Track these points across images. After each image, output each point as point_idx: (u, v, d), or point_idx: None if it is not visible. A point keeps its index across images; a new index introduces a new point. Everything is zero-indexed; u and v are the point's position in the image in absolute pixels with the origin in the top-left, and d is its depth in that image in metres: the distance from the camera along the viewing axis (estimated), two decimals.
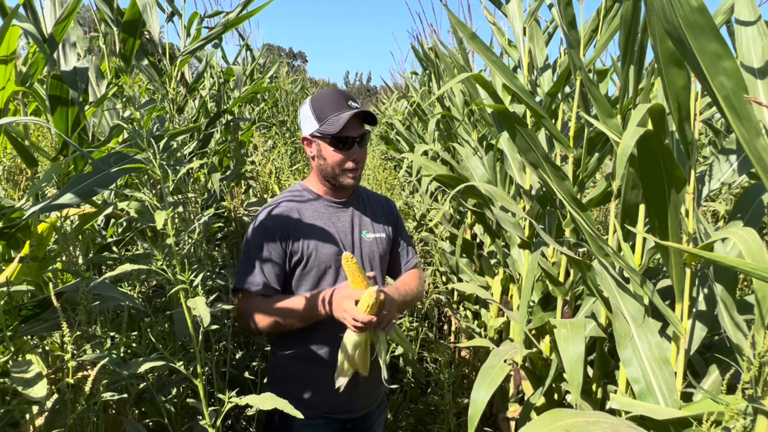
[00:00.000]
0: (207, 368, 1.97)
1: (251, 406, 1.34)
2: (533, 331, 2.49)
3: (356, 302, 1.63)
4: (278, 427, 1.86)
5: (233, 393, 1.36)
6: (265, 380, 2.19)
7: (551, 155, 2.53)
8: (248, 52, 5.92)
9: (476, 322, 3.65)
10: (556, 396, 2.33)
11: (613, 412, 1.59)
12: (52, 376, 1.53)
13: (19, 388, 1.16)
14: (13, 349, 1.39)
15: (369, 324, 1.62)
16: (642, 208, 1.74)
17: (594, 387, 2.06)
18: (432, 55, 4.98)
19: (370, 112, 1.82)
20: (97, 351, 1.54)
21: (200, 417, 1.43)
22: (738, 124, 1.07)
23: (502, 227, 2.56)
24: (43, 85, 1.90)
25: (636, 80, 1.71)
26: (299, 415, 1.30)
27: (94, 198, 1.77)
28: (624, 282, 1.70)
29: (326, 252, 1.84)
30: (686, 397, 1.55)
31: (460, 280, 3.76)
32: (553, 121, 2.58)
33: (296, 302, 1.76)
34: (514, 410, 2.69)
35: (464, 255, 3.63)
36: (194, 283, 1.36)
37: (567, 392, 2.23)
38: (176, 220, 1.85)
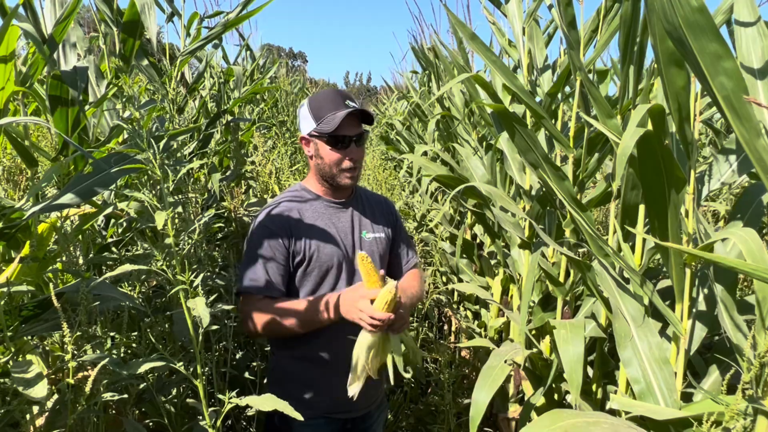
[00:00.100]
0: (207, 368, 1.97)
1: (251, 407, 1.34)
2: (533, 332, 2.49)
3: (371, 301, 1.62)
4: (278, 428, 1.86)
5: (233, 393, 1.36)
6: (265, 380, 2.19)
7: (551, 155, 2.54)
8: (248, 53, 5.93)
9: (476, 322, 3.65)
10: (556, 396, 2.34)
11: (613, 412, 1.59)
12: (53, 376, 1.53)
13: (20, 389, 1.16)
14: (13, 349, 1.39)
15: (387, 322, 1.60)
16: (642, 208, 1.74)
17: (594, 387, 2.06)
18: (431, 56, 4.99)
19: (367, 111, 1.82)
20: (98, 351, 1.54)
21: (200, 417, 1.43)
22: (738, 125, 1.07)
23: (502, 227, 2.56)
24: (43, 86, 1.90)
25: (636, 80, 1.71)
26: (299, 416, 1.30)
27: (94, 198, 1.77)
28: (624, 282, 1.70)
29: (328, 252, 1.84)
30: (686, 398, 1.55)
31: (460, 280, 3.76)
32: (553, 121, 2.58)
33: (299, 307, 1.75)
34: (514, 410, 2.69)
35: (464, 255, 3.63)
36: (194, 284, 1.36)
37: (567, 392, 2.23)
38: (176, 221, 1.85)
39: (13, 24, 1.48)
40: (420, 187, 4.75)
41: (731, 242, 1.54)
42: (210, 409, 1.40)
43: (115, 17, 2.56)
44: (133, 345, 1.87)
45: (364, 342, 1.67)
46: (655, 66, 1.36)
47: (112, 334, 1.79)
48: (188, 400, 1.85)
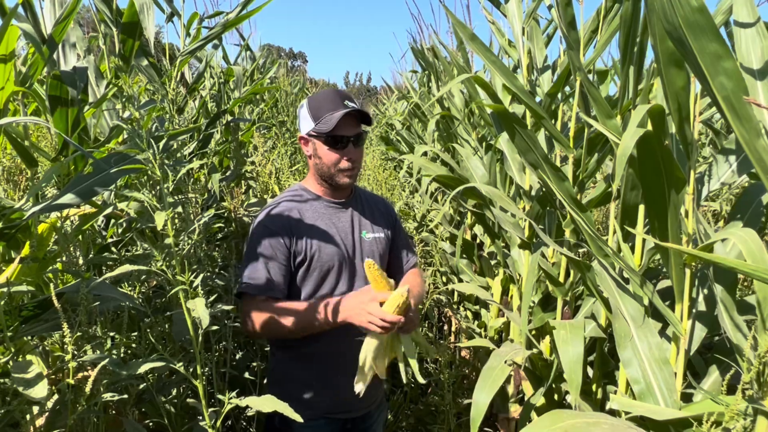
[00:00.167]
0: (207, 369, 1.97)
1: (251, 407, 1.34)
2: (533, 332, 2.49)
3: (380, 303, 1.62)
4: (278, 428, 1.85)
5: (233, 394, 1.36)
6: (265, 381, 2.20)
7: (551, 156, 2.54)
8: (248, 53, 5.92)
9: (476, 322, 3.65)
10: (556, 396, 2.33)
11: (613, 412, 1.58)
12: (53, 376, 1.53)
13: (20, 389, 1.16)
14: (13, 349, 1.39)
15: (396, 324, 1.61)
16: (642, 208, 1.74)
17: (594, 387, 2.06)
18: (430, 56, 4.99)
19: (365, 112, 1.83)
20: (98, 351, 1.54)
21: (200, 417, 1.43)
22: (738, 125, 1.07)
23: (502, 228, 2.56)
24: (42, 86, 1.90)
25: (636, 81, 1.71)
26: (299, 418, 1.30)
27: (94, 198, 1.77)
28: (624, 282, 1.70)
29: (329, 252, 1.84)
30: (686, 398, 1.55)
31: (460, 280, 3.75)
32: (553, 121, 2.58)
33: (299, 311, 1.73)
34: (514, 410, 2.69)
35: (464, 255, 3.63)
36: (194, 284, 1.36)
37: (567, 393, 2.23)
38: (176, 221, 1.85)
39: (12, 24, 1.48)
40: (420, 187, 4.75)
41: (731, 242, 1.54)
42: (210, 410, 1.40)
43: (115, 17, 2.56)
44: (133, 345, 1.87)
45: (371, 344, 1.68)
46: (655, 66, 1.36)
47: (112, 334, 1.79)
48: (188, 400, 1.85)
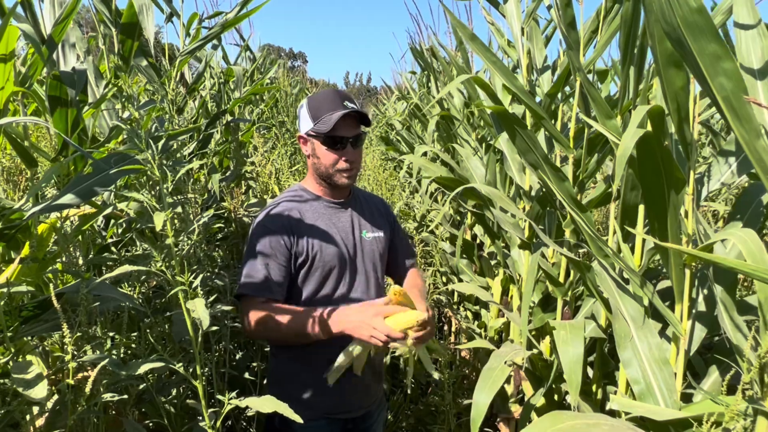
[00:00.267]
0: (207, 369, 1.97)
1: (251, 408, 1.34)
2: (533, 332, 2.49)
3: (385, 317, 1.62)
4: (279, 429, 1.85)
5: (233, 394, 1.36)
6: (265, 381, 2.20)
7: (551, 156, 2.53)
8: (247, 53, 5.92)
9: (476, 322, 3.65)
10: (556, 397, 2.33)
11: (613, 412, 1.59)
12: (53, 376, 1.53)
13: (20, 389, 1.16)
14: (13, 350, 1.38)
15: (396, 340, 1.61)
16: (641, 209, 1.74)
17: (594, 388, 2.06)
18: (429, 57, 4.99)
19: (363, 113, 1.83)
20: (98, 352, 1.54)
21: (200, 418, 1.43)
22: (738, 125, 1.07)
23: (502, 228, 2.56)
24: (42, 86, 1.90)
25: (636, 81, 1.71)
26: (298, 419, 1.30)
27: (93, 199, 1.77)
28: (624, 283, 1.70)
29: (330, 252, 1.84)
30: (686, 398, 1.55)
31: (460, 280, 3.75)
32: (553, 121, 2.58)
33: (296, 318, 1.71)
34: (514, 411, 2.69)
35: (464, 256, 3.63)
36: (194, 285, 1.36)
37: (567, 393, 2.23)
38: (176, 221, 1.85)
39: (11, 24, 1.48)
40: (420, 187, 4.75)
41: (731, 243, 1.54)
42: (210, 410, 1.40)
43: (114, 18, 2.56)
44: (133, 345, 1.87)
45: (359, 349, 1.67)
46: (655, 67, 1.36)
47: (111, 334, 1.79)
48: (188, 400, 1.85)
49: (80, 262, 1.86)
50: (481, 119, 3.44)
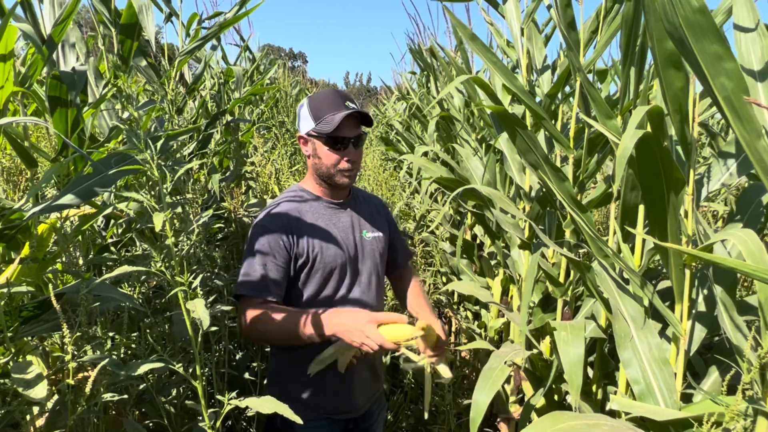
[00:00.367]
0: (207, 369, 1.97)
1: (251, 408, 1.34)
2: (533, 332, 2.49)
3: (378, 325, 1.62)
4: (280, 429, 1.85)
5: (233, 395, 1.36)
6: (265, 381, 2.20)
7: (551, 156, 2.54)
8: (246, 53, 5.91)
9: (476, 322, 3.65)
10: (556, 397, 2.33)
11: (613, 413, 1.59)
12: (53, 377, 1.53)
13: (20, 389, 1.16)
14: (13, 350, 1.38)
15: (389, 351, 1.62)
16: (641, 209, 1.74)
17: (594, 388, 2.06)
18: (428, 57, 4.99)
19: (366, 113, 1.83)
20: (98, 352, 1.54)
21: (200, 418, 1.43)
22: (739, 126, 1.07)
23: (502, 228, 2.56)
24: (42, 86, 1.90)
25: (636, 81, 1.71)
26: (298, 420, 1.29)
27: (93, 199, 1.77)
28: (624, 283, 1.70)
29: (331, 253, 1.84)
30: (686, 398, 1.55)
31: (461, 281, 3.75)
32: (553, 122, 2.58)
33: (290, 320, 1.70)
34: (514, 411, 2.69)
35: (464, 256, 3.63)
36: (193, 285, 1.36)
37: (567, 393, 2.23)
38: (175, 222, 1.85)
39: (11, 24, 1.48)
40: (420, 188, 4.75)
41: (731, 243, 1.54)
42: (210, 410, 1.40)
43: (113, 18, 2.56)
44: (133, 346, 1.87)
45: (346, 348, 1.67)
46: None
47: (111, 334, 1.79)
48: (188, 401, 1.85)
49: (80, 262, 1.86)
50: (481, 119, 3.44)
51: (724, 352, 1.56)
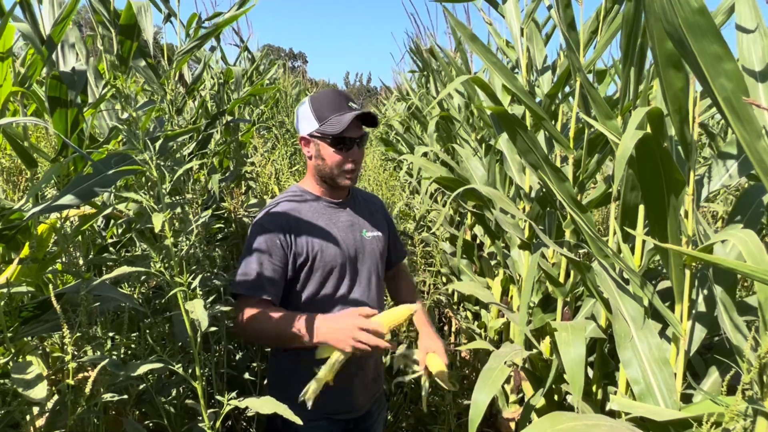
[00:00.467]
0: (207, 369, 1.97)
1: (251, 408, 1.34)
2: (533, 332, 2.49)
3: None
4: (281, 429, 1.85)
5: (233, 395, 1.36)
6: (265, 381, 2.20)
7: (551, 156, 2.54)
8: (245, 54, 5.91)
9: (476, 322, 3.65)
10: (556, 397, 2.33)
11: (613, 413, 1.59)
12: (53, 377, 1.53)
13: (20, 390, 1.16)
14: (13, 350, 1.38)
15: (382, 349, 1.63)
16: (641, 209, 1.74)
17: (594, 388, 2.06)
18: (428, 57, 4.99)
19: (372, 114, 1.82)
20: (98, 352, 1.54)
21: (200, 418, 1.43)
22: (739, 126, 1.07)
23: (502, 228, 2.56)
24: (41, 87, 1.90)
25: (636, 82, 1.71)
26: (298, 420, 1.29)
27: (93, 199, 1.77)
28: (624, 283, 1.70)
29: (331, 253, 1.84)
30: (686, 399, 1.55)
31: (461, 281, 3.75)
32: (553, 122, 2.58)
33: (285, 324, 1.71)
34: (514, 411, 2.69)
35: (464, 256, 3.63)
36: (192, 285, 1.36)
37: (567, 393, 2.23)
38: (175, 222, 1.85)
39: (9, 23, 1.48)
40: (420, 188, 4.75)
41: (731, 243, 1.54)
42: (209, 410, 1.40)
43: (112, 18, 2.56)
44: (132, 346, 1.87)
45: (338, 357, 1.66)
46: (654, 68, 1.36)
47: (111, 334, 1.79)
48: (188, 401, 1.85)
49: (80, 262, 1.86)
50: (480, 120, 3.44)
51: (724, 353, 1.56)
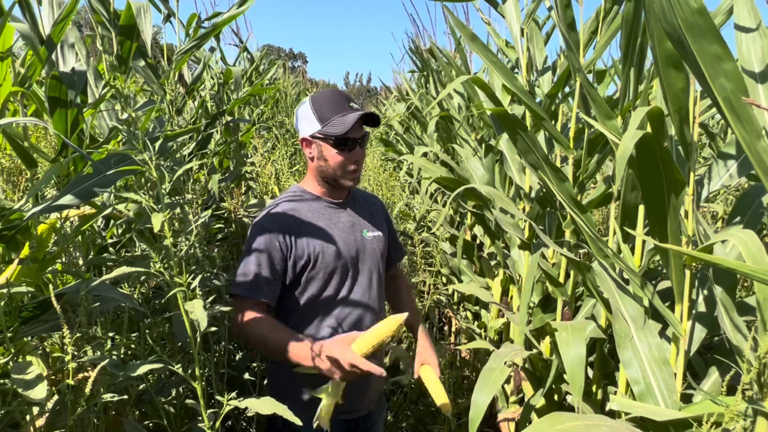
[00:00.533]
0: (206, 369, 1.97)
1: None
2: (533, 332, 2.49)
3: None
4: (281, 430, 1.84)
5: (232, 395, 1.36)
6: (265, 382, 2.20)
7: (551, 156, 2.54)
8: (244, 54, 5.91)
9: (476, 323, 3.65)
10: (556, 397, 2.33)
11: (613, 413, 1.59)
12: (53, 377, 1.53)
13: (20, 390, 1.16)
14: (13, 350, 1.39)
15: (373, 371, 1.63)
16: (641, 209, 1.74)
17: (594, 388, 2.06)
18: (426, 57, 4.99)
19: (374, 114, 1.82)
20: (98, 352, 1.54)
21: (200, 418, 1.43)
22: (738, 126, 1.07)
23: (502, 228, 2.56)
24: (41, 87, 1.90)
25: (636, 82, 1.71)
26: (297, 421, 1.29)
27: (93, 199, 1.77)
28: (624, 283, 1.70)
29: (332, 253, 1.83)
30: (686, 399, 1.55)
31: (461, 281, 3.76)
32: (553, 122, 2.58)
33: (279, 336, 1.71)
34: (514, 411, 2.69)
35: (464, 256, 3.63)
36: (192, 286, 1.36)
37: (567, 393, 2.23)
38: (174, 222, 1.85)
39: (8, 23, 1.48)
40: (420, 188, 4.75)
41: (731, 243, 1.54)
42: (209, 411, 1.40)
43: (112, 18, 2.56)
44: (132, 346, 1.87)
45: (335, 393, 1.67)
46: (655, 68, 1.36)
47: (111, 334, 1.79)
48: (187, 401, 1.85)
49: (80, 262, 1.86)
50: (480, 120, 3.45)
51: (724, 353, 1.56)
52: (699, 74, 1.09)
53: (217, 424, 1.38)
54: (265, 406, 1.32)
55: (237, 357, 2.71)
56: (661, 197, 1.44)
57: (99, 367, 1.30)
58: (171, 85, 2.78)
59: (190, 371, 1.45)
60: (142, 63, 2.78)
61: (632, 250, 1.76)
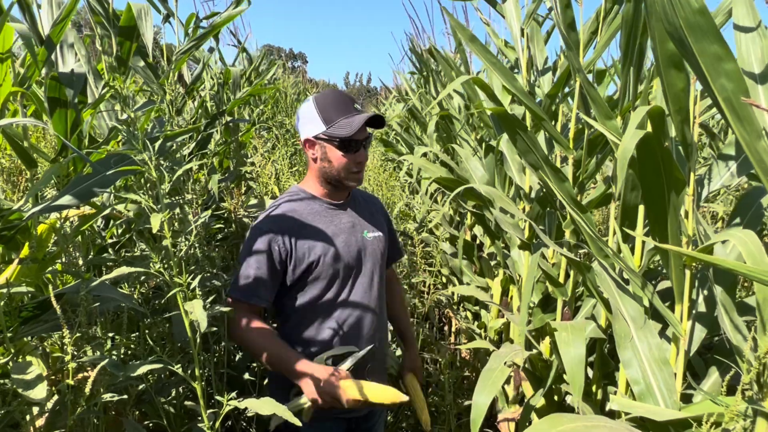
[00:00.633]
0: (206, 369, 1.97)
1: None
2: (533, 333, 2.49)
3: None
4: (282, 430, 1.84)
5: (232, 395, 1.36)
6: (265, 382, 2.20)
7: (551, 156, 2.54)
8: (243, 54, 5.90)
9: (476, 323, 3.65)
10: (556, 397, 2.33)
11: (613, 413, 1.59)
12: (53, 377, 1.53)
13: (20, 390, 1.16)
14: (13, 350, 1.39)
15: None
16: (641, 209, 1.74)
17: (594, 388, 2.06)
18: (426, 57, 4.99)
19: (381, 116, 1.82)
20: (98, 352, 1.54)
21: (200, 418, 1.43)
22: (739, 126, 1.07)
23: (502, 228, 2.56)
24: (41, 87, 1.90)
25: (636, 82, 1.71)
26: (297, 422, 1.29)
27: (93, 199, 1.77)
28: (624, 283, 1.70)
29: (333, 255, 1.83)
30: (686, 399, 1.55)
31: (461, 281, 3.75)
32: (553, 122, 2.58)
33: (273, 346, 1.75)
34: (514, 411, 2.69)
35: (464, 256, 3.63)
36: (192, 286, 1.35)
37: (567, 393, 2.23)
38: (174, 222, 1.85)
39: (7, 23, 1.48)
40: (420, 188, 4.75)
41: (731, 244, 1.54)
42: (209, 411, 1.40)
43: (111, 18, 2.56)
44: (132, 346, 1.87)
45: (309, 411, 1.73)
46: (655, 68, 1.36)
47: (111, 335, 1.79)
48: (187, 401, 1.85)
49: (80, 262, 1.86)
50: (480, 120, 3.45)
51: (724, 353, 1.55)
52: (700, 74, 1.09)
53: (217, 424, 1.38)
54: (265, 406, 1.31)
55: (237, 357, 2.71)
56: (661, 197, 1.44)
57: (99, 367, 1.30)
58: (171, 86, 2.78)
59: (189, 371, 1.45)
60: (142, 63, 2.78)
61: (632, 250, 1.76)
